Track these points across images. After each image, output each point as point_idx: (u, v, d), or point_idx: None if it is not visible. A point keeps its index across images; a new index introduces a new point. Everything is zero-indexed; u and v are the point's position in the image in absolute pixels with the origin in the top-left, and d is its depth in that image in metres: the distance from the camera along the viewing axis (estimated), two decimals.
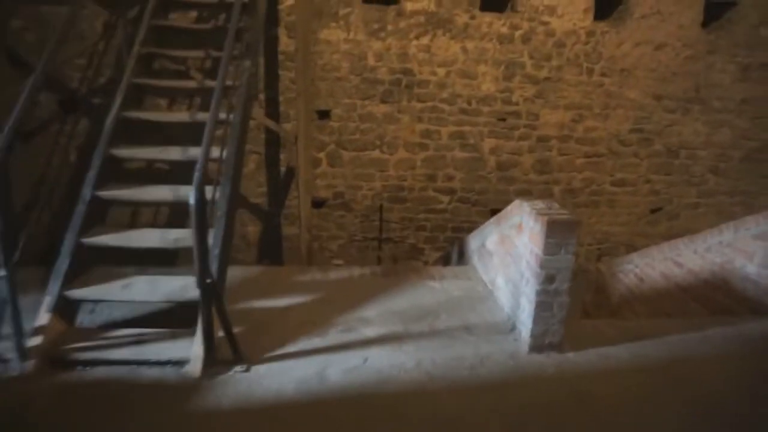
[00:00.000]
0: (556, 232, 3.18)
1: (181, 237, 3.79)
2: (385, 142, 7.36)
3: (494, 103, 7.39)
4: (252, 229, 7.66)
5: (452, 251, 4.85)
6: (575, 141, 7.58)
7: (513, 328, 3.62)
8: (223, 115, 4.18)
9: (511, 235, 3.70)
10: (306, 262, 7.58)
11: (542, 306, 3.33)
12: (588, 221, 7.91)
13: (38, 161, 7.19)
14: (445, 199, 7.67)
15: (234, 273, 4.27)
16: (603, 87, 7.42)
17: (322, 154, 7.40)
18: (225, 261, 3.57)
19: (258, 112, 7.10)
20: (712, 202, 8.05)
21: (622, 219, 7.97)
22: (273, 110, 7.13)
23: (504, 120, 7.46)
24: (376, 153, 7.41)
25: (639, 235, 8.03)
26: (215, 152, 3.90)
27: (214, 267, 3.35)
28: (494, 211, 7.73)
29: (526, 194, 7.73)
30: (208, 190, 3.38)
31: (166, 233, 3.87)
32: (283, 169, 7.39)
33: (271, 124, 6.69)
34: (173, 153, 4.11)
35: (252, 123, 7.26)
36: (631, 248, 8.10)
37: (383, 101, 7.23)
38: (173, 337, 3.23)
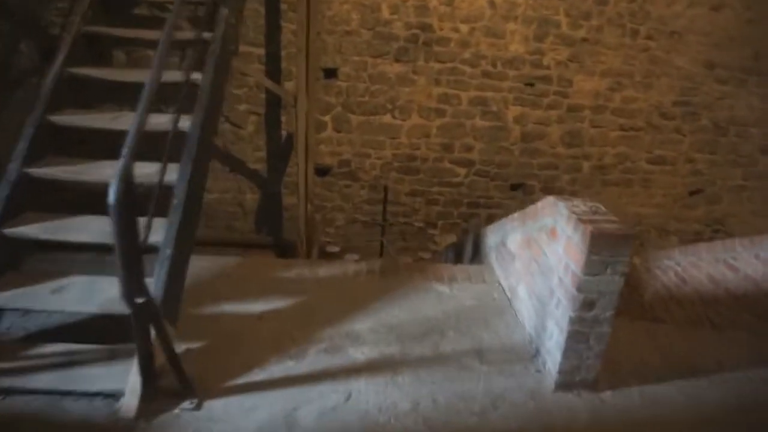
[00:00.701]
0: (602, 246, 2.40)
1: None
2: (397, 106, 6.51)
3: (522, 66, 6.46)
4: (250, 196, 6.94)
5: (466, 242, 4.14)
6: (611, 112, 6.65)
7: (536, 354, 2.90)
8: (197, 76, 3.40)
9: (540, 240, 2.93)
10: (305, 235, 6.87)
11: (576, 337, 2.58)
12: (618, 201, 7.05)
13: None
14: (462, 171, 6.85)
15: (204, 265, 3.56)
16: (647, 52, 6.43)
17: (327, 117, 6.58)
18: (181, 263, 2.86)
19: (256, 69, 6.27)
20: (759, 186, 7.12)
21: (657, 200, 7.09)
22: (274, 67, 6.28)
23: (532, 86, 6.54)
24: (387, 118, 6.57)
25: (674, 218, 7.16)
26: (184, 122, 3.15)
27: (163, 272, 2.64)
28: (514, 186, 6.92)
29: (551, 169, 6.88)
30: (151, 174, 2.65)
31: None
32: (284, 132, 6.59)
33: (268, 84, 5.85)
34: (128, 121, 3.33)
35: (251, 81, 6.45)
36: (664, 232, 7.26)
37: (397, 60, 6.34)
38: (111, 357, 2.55)
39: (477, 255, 3.97)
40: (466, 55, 6.34)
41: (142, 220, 2.41)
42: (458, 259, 4.23)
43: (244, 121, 6.58)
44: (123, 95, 3.64)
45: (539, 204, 2.99)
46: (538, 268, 2.92)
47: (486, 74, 6.42)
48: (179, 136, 3.07)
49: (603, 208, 2.69)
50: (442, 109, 6.55)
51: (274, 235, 6.99)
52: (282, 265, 3.69)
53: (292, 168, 6.79)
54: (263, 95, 6.42)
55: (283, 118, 6.50)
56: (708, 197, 7.15)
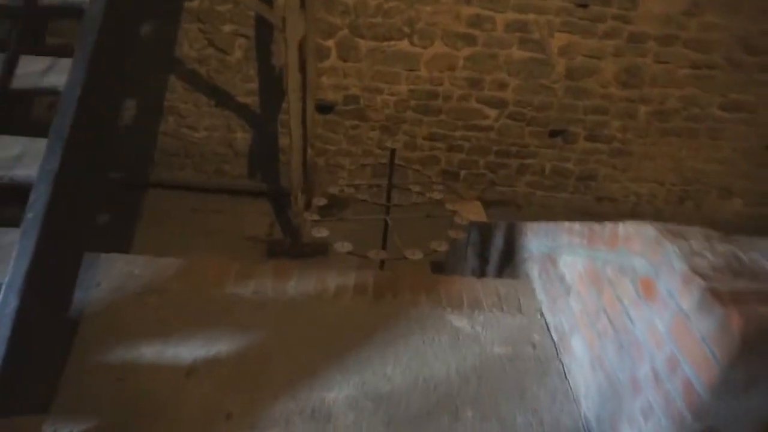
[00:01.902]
0: (757, 351, 1.28)
1: None
2: (416, 29, 5.14)
3: None
4: (241, 136, 5.77)
5: (495, 230, 3.01)
6: (682, 43, 5.19)
7: None
8: None
9: (620, 289, 1.80)
10: (302, 182, 5.74)
11: None
12: (677, 154, 5.74)
13: None
14: (492, 113, 5.55)
15: (126, 269, 2.50)
16: None
17: (330, 43, 5.25)
18: (60, 270, 1.81)
19: None
20: None
21: (724, 155, 5.74)
22: None
23: (585, 7, 5.07)
24: (403, 44, 5.23)
25: (743, 177, 5.84)
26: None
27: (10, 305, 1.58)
28: (554, 133, 5.62)
29: (599, 113, 5.53)
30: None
31: None
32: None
33: (250, 2, 4.50)
34: None
35: None
36: (726, 193, 5.97)
37: None
38: None
39: (509, 260, 2.84)
40: None
41: None
42: (484, 244, 3.14)
43: (229, 45, 5.30)
44: None
45: (628, 228, 1.81)
46: (612, 330, 1.81)
47: None
48: None
49: (746, 256, 1.52)
50: (471, 36, 5.16)
51: (269, 182, 5.89)
52: (238, 274, 2.60)
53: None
54: (252, 13, 5.09)
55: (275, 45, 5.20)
56: None
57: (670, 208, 6.01)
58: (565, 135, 5.62)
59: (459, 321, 2.36)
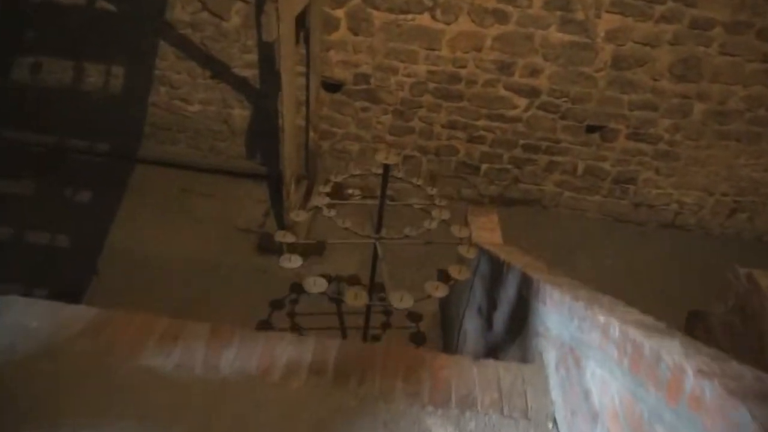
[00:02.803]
0: None
1: None
2: (439, 2, 4.35)
3: None
4: (239, 112, 5.12)
5: (509, 273, 2.36)
6: (756, 33, 4.30)
7: None
8: None
9: (648, 403, 1.17)
10: (303, 168, 5.11)
11: None
12: (733, 161, 4.90)
13: None
14: (521, 102, 4.77)
15: (18, 322, 1.93)
16: None
17: (340, 13, 4.50)
18: None
19: None
20: None
21: None
22: None
23: None
24: (424, 19, 4.45)
25: None
26: None
27: None
28: (591, 128, 4.83)
29: (647, 109, 4.70)
30: None
31: None
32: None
33: None
34: None
35: None
36: None
37: None
38: None
39: (518, 327, 2.18)
40: None
41: None
42: (493, 283, 2.49)
43: (226, 9, 4.59)
44: None
45: (688, 377, 1.14)
46: None
47: None
48: None
49: None
50: (503, 12, 4.35)
51: (269, 165, 5.25)
52: (164, 335, 2.00)
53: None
54: None
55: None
56: None
57: (718, 220, 5.21)
58: (604, 132, 4.83)
59: (442, 428, 1.75)
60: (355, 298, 2.33)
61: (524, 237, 5.01)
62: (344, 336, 3.91)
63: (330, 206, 2.98)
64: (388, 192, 2.77)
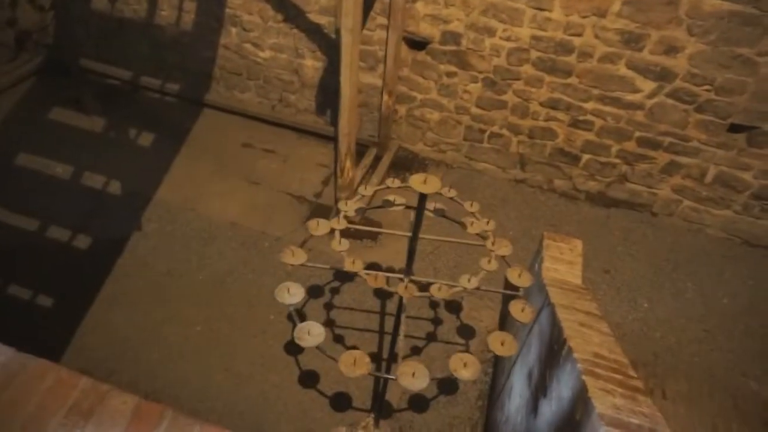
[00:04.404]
0: None
1: None
2: None
3: None
4: (311, 63, 4.47)
5: (565, 366, 1.62)
6: None
7: None
8: None
9: None
10: (380, 136, 4.43)
11: None
12: None
13: None
14: (647, 86, 3.69)
15: None
16: None
17: None
18: None
19: None
20: None
21: None
22: None
23: None
24: None
25: None
26: None
27: None
28: (736, 128, 3.69)
29: None
30: None
31: None
32: None
33: None
34: None
35: None
36: None
37: None
38: None
39: None
40: None
41: None
42: (549, 358, 1.75)
43: None
44: None
45: None
46: None
47: None
48: None
49: None
50: None
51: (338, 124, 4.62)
52: (74, 409, 1.52)
53: (372, 29, 4.12)
54: None
55: None
56: None
57: None
58: (754, 134, 3.65)
59: None
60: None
61: (623, 246, 4.07)
62: (381, 341, 3.34)
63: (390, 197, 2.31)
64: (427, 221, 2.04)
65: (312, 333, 1.84)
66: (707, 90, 3.57)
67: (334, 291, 3.58)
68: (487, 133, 4.29)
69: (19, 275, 3.57)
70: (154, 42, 4.78)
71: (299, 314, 2.15)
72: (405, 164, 4.54)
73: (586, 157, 4.16)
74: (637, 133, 3.90)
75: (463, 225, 2.12)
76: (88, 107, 4.87)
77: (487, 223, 2.08)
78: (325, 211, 4.09)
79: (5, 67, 5.11)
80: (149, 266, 3.66)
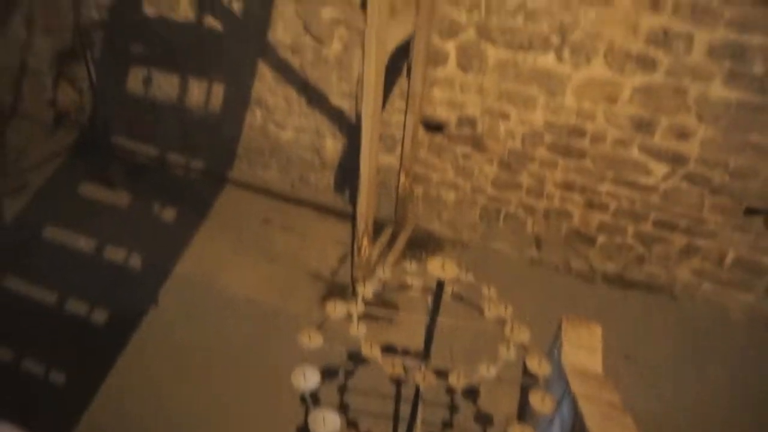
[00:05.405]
0: None
1: None
2: (569, 41, 3.49)
3: None
4: (331, 143, 4.62)
5: None
6: None
7: None
8: None
9: None
10: (397, 215, 4.48)
11: None
12: None
13: None
14: (660, 169, 3.73)
15: None
16: None
17: (450, 45, 3.80)
18: None
19: None
20: None
21: None
22: None
23: None
24: (547, 59, 3.60)
25: None
26: None
27: None
28: (752, 211, 3.66)
29: None
30: None
31: None
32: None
33: None
34: None
35: None
36: None
37: None
38: None
39: None
40: None
41: None
42: None
43: (328, 34, 4.10)
44: None
45: None
46: None
47: None
48: None
49: None
50: (649, 58, 3.38)
51: (356, 203, 4.70)
52: None
53: (391, 114, 4.27)
54: None
55: None
56: None
57: None
58: None
59: None
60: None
61: (643, 330, 3.95)
62: (396, 428, 3.21)
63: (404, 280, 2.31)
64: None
65: (327, 421, 1.79)
66: (721, 173, 3.59)
67: (349, 373, 3.50)
68: (503, 213, 4.32)
69: (34, 348, 3.56)
70: (182, 122, 4.99)
71: (314, 398, 2.09)
72: (421, 243, 4.55)
73: (602, 238, 4.14)
74: (654, 215, 3.89)
75: (480, 310, 2.09)
76: (115, 182, 5.04)
77: (505, 308, 2.05)
78: (341, 289, 4.07)
79: (42, 143, 5.34)
80: (164, 342, 3.63)
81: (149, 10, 4.59)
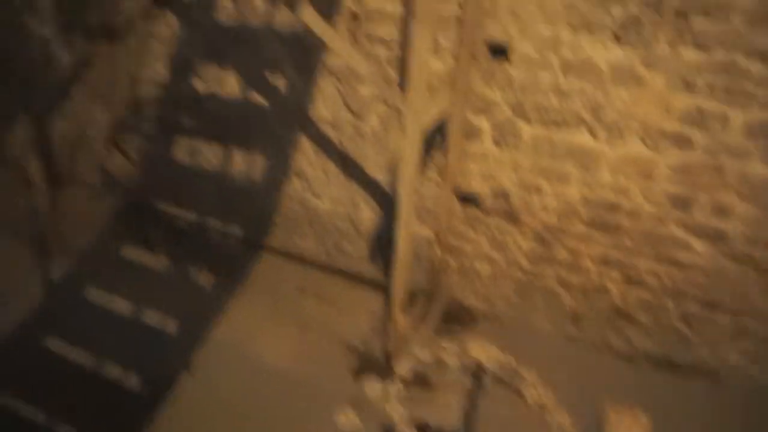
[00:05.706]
0: None
1: None
2: (603, 119, 3.55)
3: None
4: (367, 215, 4.70)
5: None
6: None
7: None
8: None
9: None
10: (430, 287, 4.46)
11: None
12: None
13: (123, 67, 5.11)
14: (702, 247, 3.65)
15: None
16: None
17: (484, 122, 3.91)
18: None
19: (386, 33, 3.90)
20: None
21: None
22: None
23: None
24: (582, 137, 3.66)
25: None
26: None
27: None
28: None
29: None
30: None
31: None
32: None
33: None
34: None
35: (379, 52, 4.06)
36: None
37: (617, 39, 3.34)
38: None
39: None
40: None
41: None
42: None
43: (366, 110, 4.28)
44: None
45: None
46: None
47: None
48: None
49: None
50: (685, 137, 3.40)
51: (389, 274, 4.71)
52: None
53: (427, 189, 4.34)
54: (396, 73, 4.03)
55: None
56: None
57: None
58: None
59: None
60: None
61: (690, 416, 3.72)
62: None
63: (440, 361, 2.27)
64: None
65: None
66: (765, 252, 3.48)
67: None
68: (539, 287, 4.25)
69: (64, 412, 3.57)
70: (223, 189, 5.17)
71: None
72: (455, 315, 4.48)
73: (643, 317, 4.01)
74: (694, 293, 3.77)
75: (520, 394, 2.03)
76: (155, 246, 5.19)
77: (545, 394, 1.99)
78: (374, 361, 4.01)
79: (91, 207, 5.59)
80: (193, 411, 3.61)
81: (199, 86, 4.89)
